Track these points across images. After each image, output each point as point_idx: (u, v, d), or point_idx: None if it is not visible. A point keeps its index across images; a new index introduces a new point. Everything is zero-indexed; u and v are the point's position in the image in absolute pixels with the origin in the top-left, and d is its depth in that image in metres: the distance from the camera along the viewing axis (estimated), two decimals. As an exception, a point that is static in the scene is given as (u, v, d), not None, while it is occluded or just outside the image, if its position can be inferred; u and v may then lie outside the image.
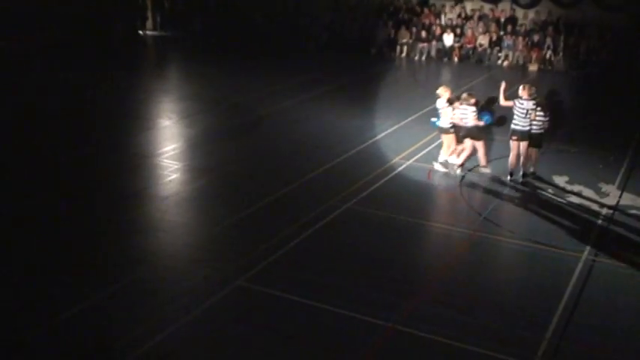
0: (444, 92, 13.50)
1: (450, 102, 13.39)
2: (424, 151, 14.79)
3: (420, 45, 26.36)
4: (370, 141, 15.52)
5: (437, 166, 13.72)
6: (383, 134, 16.04)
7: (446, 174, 13.54)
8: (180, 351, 7.94)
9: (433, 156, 14.29)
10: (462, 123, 13.25)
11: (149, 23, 31.66)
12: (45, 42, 26.63)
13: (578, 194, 12.67)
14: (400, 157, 14.43)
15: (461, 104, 13.23)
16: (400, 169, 13.81)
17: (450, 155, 13.61)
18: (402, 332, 8.29)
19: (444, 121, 13.47)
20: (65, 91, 20.42)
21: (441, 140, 13.86)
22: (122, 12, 30.16)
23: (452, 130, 13.45)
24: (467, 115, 13.14)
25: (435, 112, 13.87)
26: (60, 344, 7.97)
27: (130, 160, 14.32)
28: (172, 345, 8.03)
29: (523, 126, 12.95)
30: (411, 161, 14.22)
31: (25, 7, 25.91)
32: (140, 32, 31.04)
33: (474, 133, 13.24)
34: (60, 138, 15.76)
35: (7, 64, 23.97)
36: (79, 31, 27.70)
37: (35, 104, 18.98)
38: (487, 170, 13.50)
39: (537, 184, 13.17)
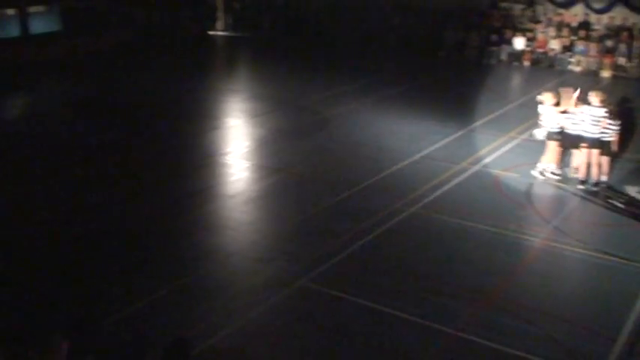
0: (548, 98, 13.26)
1: (556, 107, 13.13)
2: (492, 157, 14.61)
3: (491, 48, 26.05)
4: (436, 145, 15.40)
5: (536, 173, 13.51)
6: (450, 138, 15.89)
7: (517, 180, 13.38)
8: (242, 348, 8.04)
9: (501, 161, 14.15)
10: (571, 129, 13.00)
11: (219, 24, 32.19)
12: (118, 41, 27.37)
13: (651, 205, 12.34)
14: (467, 162, 14.28)
15: (574, 108, 12.94)
16: (467, 174, 13.66)
17: (554, 163, 13.39)
18: (465, 339, 8.22)
19: (550, 127, 13.24)
20: (136, 89, 20.92)
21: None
22: (193, 13, 30.75)
23: (558, 136, 13.23)
24: (576, 120, 12.88)
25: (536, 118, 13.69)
26: (127, 336, 8.16)
27: (199, 159, 14.57)
28: (235, 341, 8.14)
29: (593, 133, 12.67)
30: (478, 166, 14.07)
31: (100, 6, 26.66)
32: (210, 32, 31.59)
33: (578, 139, 12.99)
34: (129, 135, 16.16)
35: (82, 63, 24.67)
36: (151, 30, 28.38)
37: (106, 102, 19.54)
38: (578, 175, 13.21)
39: (608, 193, 12.85)
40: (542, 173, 13.44)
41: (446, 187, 12.94)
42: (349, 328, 8.46)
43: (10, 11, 24.93)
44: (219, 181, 13.49)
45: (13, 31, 24.82)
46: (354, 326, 8.49)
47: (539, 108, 13.42)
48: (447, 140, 15.75)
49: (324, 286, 9.33)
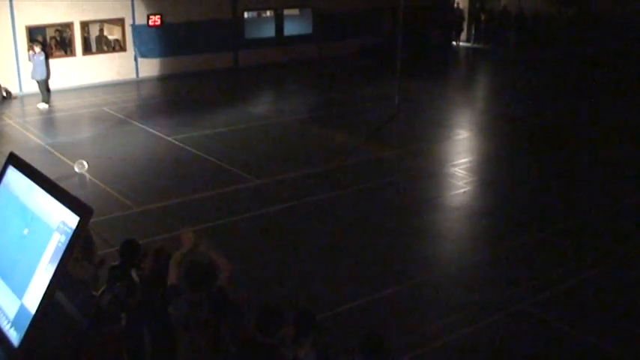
0: None
1: None
2: None
3: None
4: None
5: None
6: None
7: None
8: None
9: None
10: None
11: (464, 35, 32.04)
12: (361, 47, 28.36)
13: None
14: None
15: None
16: None
17: None
18: None
19: None
20: (360, 98, 21.46)
21: None
22: (440, 22, 30.91)
23: None
24: None
25: None
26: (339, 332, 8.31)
27: (426, 168, 14.59)
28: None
29: None
30: None
31: (346, 13, 27.66)
32: (454, 43, 31.55)
33: None
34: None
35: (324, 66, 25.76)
36: (396, 37, 28.90)
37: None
38: None
39: None
40: None
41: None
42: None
43: (267, 13, 26.75)
44: (444, 192, 13.39)
45: (268, 32, 26.54)
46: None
47: None
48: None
49: (542, 313, 8.87)
